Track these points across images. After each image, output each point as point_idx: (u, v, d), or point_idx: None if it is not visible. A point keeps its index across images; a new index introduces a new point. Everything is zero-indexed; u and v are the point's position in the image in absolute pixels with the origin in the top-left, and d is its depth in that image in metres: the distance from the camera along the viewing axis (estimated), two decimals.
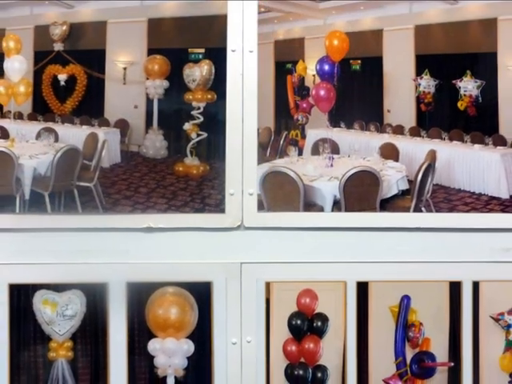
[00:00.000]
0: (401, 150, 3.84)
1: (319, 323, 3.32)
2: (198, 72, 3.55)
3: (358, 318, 3.34)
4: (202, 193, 3.46)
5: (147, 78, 3.60)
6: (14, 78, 3.56)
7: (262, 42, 3.35)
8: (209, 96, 3.54)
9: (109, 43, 3.70)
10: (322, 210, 3.52)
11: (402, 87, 3.88)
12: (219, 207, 3.33)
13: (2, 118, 3.65)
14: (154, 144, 3.66)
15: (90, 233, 3.30)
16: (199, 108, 3.55)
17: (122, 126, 3.68)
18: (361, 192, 3.52)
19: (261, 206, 3.35)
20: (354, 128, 3.84)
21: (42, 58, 3.68)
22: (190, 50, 3.59)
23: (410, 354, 3.35)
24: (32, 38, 3.68)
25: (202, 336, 3.32)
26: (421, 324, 3.35)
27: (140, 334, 3.33)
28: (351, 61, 3.74)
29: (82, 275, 3.29)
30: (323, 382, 3.32)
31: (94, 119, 3.72)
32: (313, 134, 3.77)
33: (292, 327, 3.32)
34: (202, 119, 3.55)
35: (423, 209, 3.58)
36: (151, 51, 3.63)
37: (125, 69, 3.68)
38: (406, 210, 3.57)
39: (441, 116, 3.86)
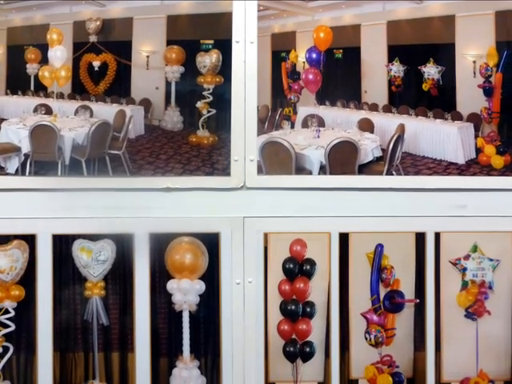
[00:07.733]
0: (375, 123, 3.93)
1: (308, 267, 3.53)
2: (208, 59, 3.67)
3: (340, 263, 3.53)
4: (212, 159, 3.61)
5: (166, 65, 3.71)
6: (57, 64, 3.67)
7: (261, 34, 3.50)
8: (217, 79, 3.65)
9: (135, 36, 3.80)
10: (310, 173, 3.63)
11: (377, 72, 3.94)
12: (226, 171, 3.51)
13: (47, 98, 3.81)
14: (172, 119, 3.78)
15: (119, 192, 3.48)
16: (209, 89, 3.67)
17: (146, 104, 3.79)
18: (342, 158, 3.64)
19: (260, 170, 3.52)
20: (337, 106, 3.90)
21: (80, 47, 3.77)
22: (201, 41, 3.69)
23: (383, 292, 3.56)
24: (71, 31, 3.76)
25: (211, 277, 3.52)
26: (392, 267, 3.56)
27: (160, 275, 3.52)
28: (334, 50, 3.78)
29: (113, 227, 3.49)
30: (311, 316, 3.54)
31: (122, 98, 3.84)
32: (303, 111, 3.88)
33: (286, 270, 3.53)
34: (211, 98, 3.67)
35: (394, 172, 3.70)
36: (169, 42, 3.73)
37: (148, 57, 3.78)
38: (380, 173, 3.68)
39: (408, 96, 3.95)
